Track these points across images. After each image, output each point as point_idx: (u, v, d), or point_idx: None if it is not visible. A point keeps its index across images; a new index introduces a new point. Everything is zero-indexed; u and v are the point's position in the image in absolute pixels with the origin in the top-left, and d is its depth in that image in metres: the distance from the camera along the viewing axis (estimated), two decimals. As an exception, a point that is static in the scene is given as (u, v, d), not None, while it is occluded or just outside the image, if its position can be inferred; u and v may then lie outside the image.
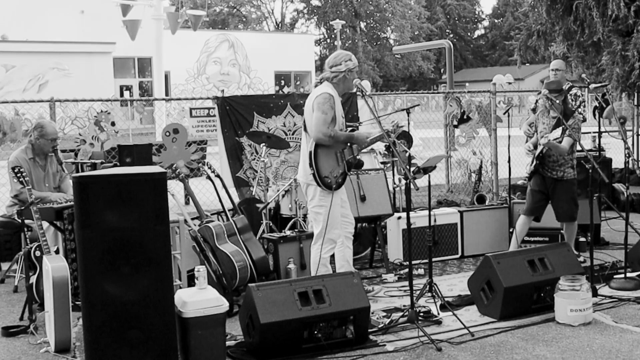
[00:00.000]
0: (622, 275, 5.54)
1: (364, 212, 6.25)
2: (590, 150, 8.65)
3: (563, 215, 6.10)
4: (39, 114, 7.60)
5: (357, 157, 5.11)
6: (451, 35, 58.88)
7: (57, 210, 5.41)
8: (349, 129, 5.15)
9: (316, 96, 4.91)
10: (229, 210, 5.96)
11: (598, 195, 5.88)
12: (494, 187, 9.44)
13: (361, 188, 6.27)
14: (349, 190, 6.14)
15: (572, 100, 7.53)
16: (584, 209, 6.33)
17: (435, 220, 6.55)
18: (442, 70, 56.14)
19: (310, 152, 4.88)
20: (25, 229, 5.56)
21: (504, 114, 7.91)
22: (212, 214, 6.24)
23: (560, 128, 5.76)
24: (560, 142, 5.85)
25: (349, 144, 5.05)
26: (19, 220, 5.39)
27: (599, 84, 7.61)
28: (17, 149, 6.32)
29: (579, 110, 7.52)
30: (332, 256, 5.11)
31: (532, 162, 6.11)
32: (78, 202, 3.70)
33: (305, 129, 5.02)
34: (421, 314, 4.78)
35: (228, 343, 4.32)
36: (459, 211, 6.90)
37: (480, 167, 9.43)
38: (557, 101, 6.08)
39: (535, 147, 6.16)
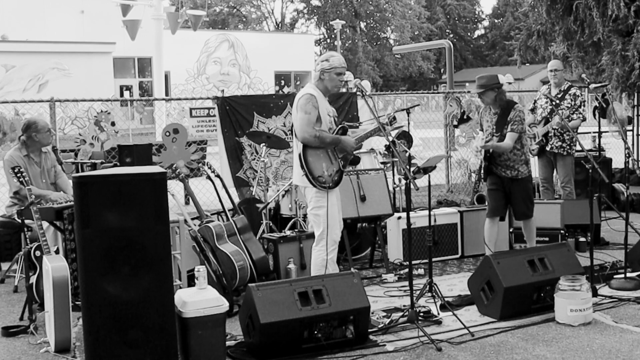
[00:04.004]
0: (622, 275, 5.53)
1: (364, 212, 6.25)
2: (590, 150, 8.66)
3: (520, 215, 6.08)
4: (39, 114, 7.60)
5: (353, 153, 5.11)
6: (451, 35, 58.85)
7: (57, 210, 5.41)
8: (339, 126, 5.10)
9: (299, 98, 4.91)
10: (229, 210, 5.96)
11: (598, 195, 5.87)
12: (494, 187, 9.42)
13: (361, 188, 6.27)
14: (349, 190, 6.14)
15: (572, 100, 7.52)
16: (584, 209, 6.32)
17: (435, 220, 6.54)
18: (442, 70, 56.11)
19: (300, 154, 4.86)
20: (25, 229, 5.57)
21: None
22: (212, 214, 6.24)
23: (494, 139, 5.80)
24: (500, 140, 5.82)
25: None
26: (19, 220, 5.40)
27: (599, 84, 7.62)
28: (11, 149, 6.34)
29: (580, 110, 7.53)
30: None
31: (481, 165, 6.08)
32: (78, 202, 3.70)
33: (294, 132, 5.00)
34: (421, 314, 4.78)
35: (228, 343, 4.32)
36: (459, 211, 6.90)
37: (480, 167, 9.42)
38: (488, 99, 5.99)
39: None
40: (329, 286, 4.36)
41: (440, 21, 58.81)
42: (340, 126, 5.10)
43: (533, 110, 7.82)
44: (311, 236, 5.86)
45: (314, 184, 4.86)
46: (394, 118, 5.39)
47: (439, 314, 4.87)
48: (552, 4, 9.67)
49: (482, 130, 6.21)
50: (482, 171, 6.12)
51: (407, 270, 5.11)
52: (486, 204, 7.70)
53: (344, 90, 8.65)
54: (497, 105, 5.98)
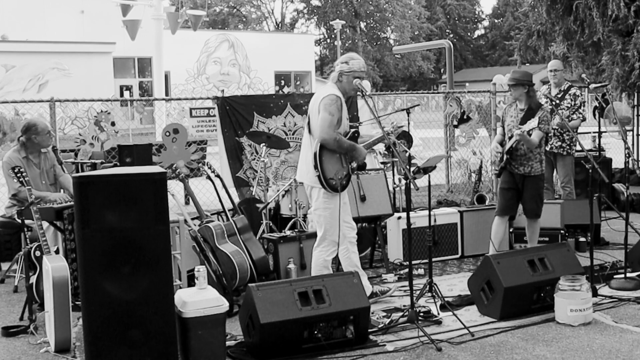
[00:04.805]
0: (622, 275, 5.53)
1: (364, 212, 6.25)
2: (590, 150, 8.66)
3: (530, 213, 6.07)
4: (39, 113, 7.61)
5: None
6: (451, 35, 58.86)
7: (57, 210, 5.41)
8: (352, 130, 5.09)
9: (323, 97, 4.86)
10: (229, 210, 5.96)
11: (598, 195, 5.87)
12: (494, 187, 9.43)
13: (361, 188, 6.27)
14: (349, 190, 6.13)
15: (572, 100, 7.53)
16: (584, 209, 6.31)
17: (435, 220, 6.55)
18: (442, 70, 56.13)
19: (315, 154, 4.85)
20: (25, 229, 5.56)
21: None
22: (212, 214, 6.24)
23: (536, 118, 5.73)
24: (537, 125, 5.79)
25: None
26: (19, 221, 5.39)
27: (599, 84, 7.63)
28: (9, 150, 6.34)
29: (580, 110, 7.53)
30: (333, 259, 5.13)
31: (502, 157, 6.05)
32: (78, 202, 3.70)
33: (309, 130, 4.98)
34: (421, 314, 4.78)
35: (228, 343, 4.32)
36: (459, 211, 6.90)
37: (480, 167, 9.43)
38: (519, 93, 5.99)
39: (502, 144, 6.11)
40: (329, 286, 4.36)
41: (440, 21, 58.82)
42: (353, 130, 5.09)
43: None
44: (311, 236, 5.87)
45: (324, 186, 4.86)
46: (397, 126, 5.39)
47: (439, 314, 4.87)
48: (552, 4, 9.68)
49: (503, 126, 6.21)
50: (499, 165, 6.08)
51: (407, 270, 5.11)
52: (486, 204, 7.74)
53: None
54: (525, 103, 6.00)
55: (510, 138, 5.98)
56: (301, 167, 5.10)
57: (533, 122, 5.68)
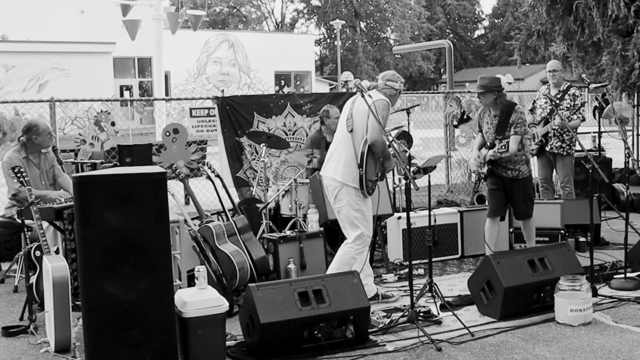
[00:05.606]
0: (622, 275, 5.53)
1: (364, 212, 6.24)
2: (590, 150, 8.65)
3: (521, 214, 6.08)
4: (39, 114, 7.61)
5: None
6: (451, 35, 58.84)
7: (57, 210, 5.41)
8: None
9: (375, 100, 4.95)
10: (229, 210, 5.96)
11: (598, 195, 5.87)
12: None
13: (361, 188, 6.26)
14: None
15: (571, 100, 7.52)
16: (584, 209, 6.30)
17: (435, 220, 6.54)
18: (442, 70, 56.11)
19: (363, 153, 4.94)
20: (25, 229, 5.56)
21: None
22: (212, 214, 6.24)
23: (505, 142, 5.77)
24: (506, 149, 5.79)
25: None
26: (19, 221, 5.39)
27: (599, 84, 7.62)
28: (9, 150, 6.34)
29: (580, 110, 7.52)
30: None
31: (484, 165, 6.04)
32: (78, 202, 3.70)
33: (350, 130, 5.04)
34: (421, 314, 4.78)
35: (228, 343, 4.32)
36: (459, 211, 6.90)
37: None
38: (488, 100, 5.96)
39: (482, 147, 6.12)
40: (329, 286, 4.36)
41: (440, 21, 58.79)
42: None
43: (532, 110, 7.82)
44: (311, 236, 5.89)
45: (363, 186, 4.97)
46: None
47: (439, 314, 4.87)
48: (552, 4, 9.67)
49: (480, 131, 6.19)
50: (482, 173, 6.09)
51: (407, 270, 5.11)
52: (486, 204, 7.72)
53: (344, 90, 8.66)
54: (497, 108, 5.97)
55: (489, 147, 5.98)
56: (334, 165, 5.13)
57: (503, 147, 5.74)
